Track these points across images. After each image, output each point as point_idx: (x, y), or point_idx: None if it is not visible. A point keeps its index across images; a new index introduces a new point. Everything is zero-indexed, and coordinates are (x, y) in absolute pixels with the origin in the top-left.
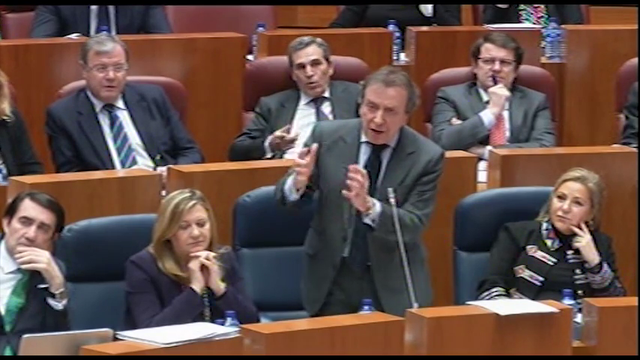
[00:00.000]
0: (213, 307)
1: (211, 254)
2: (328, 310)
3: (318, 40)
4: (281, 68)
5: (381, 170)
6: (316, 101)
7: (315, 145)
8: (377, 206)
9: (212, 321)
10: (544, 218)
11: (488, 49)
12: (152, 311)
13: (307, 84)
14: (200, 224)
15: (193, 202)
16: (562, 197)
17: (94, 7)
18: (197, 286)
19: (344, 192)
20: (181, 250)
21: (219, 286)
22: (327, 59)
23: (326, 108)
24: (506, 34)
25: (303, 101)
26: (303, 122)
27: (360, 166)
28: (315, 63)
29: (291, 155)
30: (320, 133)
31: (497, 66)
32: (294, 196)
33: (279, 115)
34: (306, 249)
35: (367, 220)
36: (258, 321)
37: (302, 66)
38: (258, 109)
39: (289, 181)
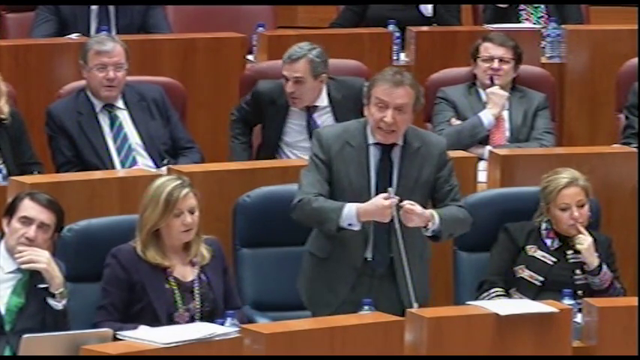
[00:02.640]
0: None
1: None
2: (341, 312)
3: (313, 53)
4: (279, 72)
5: (394, 170)
6: (309, 108)
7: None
8: (435, 217)
9: (202, 305)
10: (543, 219)
11: (487, 48)
12: (107, 314)
13: (289, 97)
14: (191, 212)
15: (186, 190)
16: (566, 208)
17: (94, 7)
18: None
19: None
20: (172, 238)
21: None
22: (316, 76)
23: (320, 117)
24: (505, 33)
25: None
26: (295, 125)
27: (372, 169)
28: (297, 81)
29: (290, 155)
30: (327, 141)
31: (496, 64)
32: (356, 227)
33: (270, 113)
34: (315, 252)
35: (428, 234)
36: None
37: (286, 79)
38: (252, 96)
39: (351, 214)
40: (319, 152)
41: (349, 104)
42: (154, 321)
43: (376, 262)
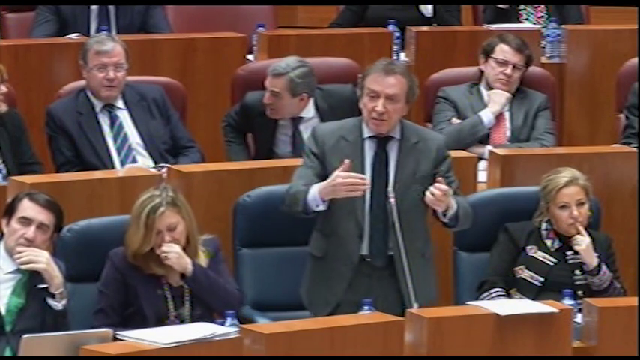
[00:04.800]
0: (193, 295)
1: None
2: (340, 313)
3: (296, 72)
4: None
5: (390, 164)
6: (294, 120)
7: (347, 161)
8: (453, 203)
9: (192, 309)
10: (543, 219)
11: (504, 51)
12: (105, 317)
13: (266, 106)
14: (171, 229)
15: (162, 209)
16: (565, 206)
17: (94, 7)
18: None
19: (429, 201)
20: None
21: (186, 269)
22: (294, 94)
23: (307, 128)
24: (519, 38)
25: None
26: (284, 136)
27: (367, 162)
28: (274, 94)
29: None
30: (322, 135)
31: (509, 70)
32: (321, 207)
33: (259, 125)
34: (313, 251)
35: (446, 220)
36: (240, 304)
37: (266, 88)
38: (241, 108)
39: (314, 193)
40: (312, 146)
41: (337, 113)
42: (143, 326)
43: (372, 256)
